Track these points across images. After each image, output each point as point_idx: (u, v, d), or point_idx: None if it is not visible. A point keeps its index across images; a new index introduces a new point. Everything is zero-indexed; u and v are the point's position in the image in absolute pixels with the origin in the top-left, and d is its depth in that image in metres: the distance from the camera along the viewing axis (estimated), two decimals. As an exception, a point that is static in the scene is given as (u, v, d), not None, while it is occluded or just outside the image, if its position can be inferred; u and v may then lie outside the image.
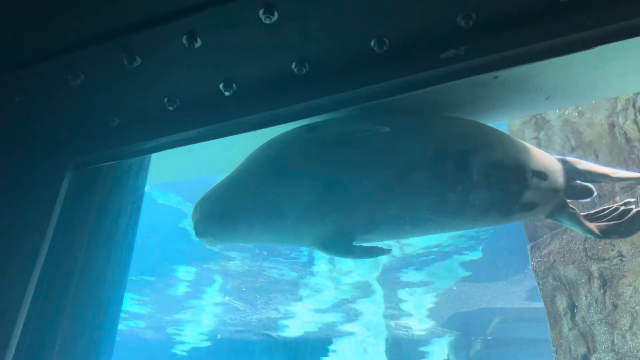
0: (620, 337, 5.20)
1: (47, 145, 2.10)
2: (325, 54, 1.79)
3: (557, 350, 6.45)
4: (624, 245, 5.33)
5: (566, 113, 5.67)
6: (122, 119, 2.04)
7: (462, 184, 2.77)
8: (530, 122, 6.13)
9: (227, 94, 1.88)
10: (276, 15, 1.63)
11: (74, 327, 1.87)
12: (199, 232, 2.94)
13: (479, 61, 1.75)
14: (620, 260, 5.33)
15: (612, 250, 5.42)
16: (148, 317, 18.40)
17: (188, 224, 11.68)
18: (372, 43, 1.75)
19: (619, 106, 5.53)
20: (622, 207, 3.09)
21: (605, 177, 3.22)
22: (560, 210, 3.07)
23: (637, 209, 3.00)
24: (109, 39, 1.71)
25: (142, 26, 1.68)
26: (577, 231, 3.15)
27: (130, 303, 16.95)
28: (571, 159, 3.19)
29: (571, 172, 3.10)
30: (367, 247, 2.96)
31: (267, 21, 1.64)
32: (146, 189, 2.55)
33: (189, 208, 11.02)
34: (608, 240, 5.46)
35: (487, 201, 2.84)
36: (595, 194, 3.13)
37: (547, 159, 3.05)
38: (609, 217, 3.08)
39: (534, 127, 6.16)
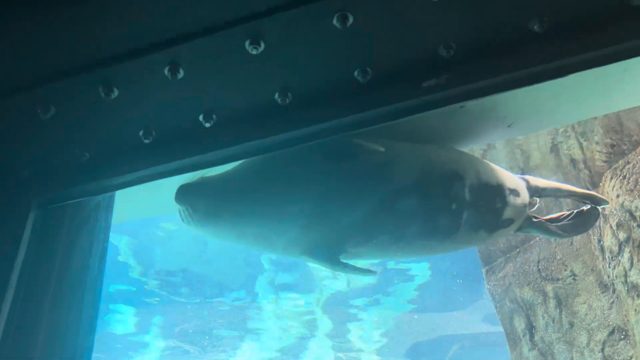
0: (578, 354, 5.34)
1: (9, 184, 1.97)
2: (309, 83, 1.78)
3: (517, 372, 6.54)
4: (575, 264, 5.53)
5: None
6: (92, 153, 1.93)
7: (453, 208, 2.89)
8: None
9: (207, 125, 1.83)
10: (263, 45, 1.61)
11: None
12: (182, 196, 2.79)
13: (459, 90, 1.78)
14: (574, 279, 5.52)
15: (565, 270, 5.60)
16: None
17: (126, 259, 11.25)
18: (356, 73, 1.75)
19: (561, 130, 5.82)
20: (576, 211, 3.48)
21: (560, 191, 3.53)
22: (527, 222, 3.31)
23: (586, 208, 3.43)
24: (86, 71, 1.64)
25: (123, 57, 1.61)
26: (544, 236, 3.50)
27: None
28: (529, 177, 3.45)
29: (532, 188, 3.31)
30: (354, 266, 2.99)
31: (254, 52, 1.61)
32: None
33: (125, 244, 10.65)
34: (560, 261, 5.67)
35: (477, 222, 2.98)
36: (537, 205, 3.46)
37: (515, 178, 3.24)
38: (567, 218, 3.46)
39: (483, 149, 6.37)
